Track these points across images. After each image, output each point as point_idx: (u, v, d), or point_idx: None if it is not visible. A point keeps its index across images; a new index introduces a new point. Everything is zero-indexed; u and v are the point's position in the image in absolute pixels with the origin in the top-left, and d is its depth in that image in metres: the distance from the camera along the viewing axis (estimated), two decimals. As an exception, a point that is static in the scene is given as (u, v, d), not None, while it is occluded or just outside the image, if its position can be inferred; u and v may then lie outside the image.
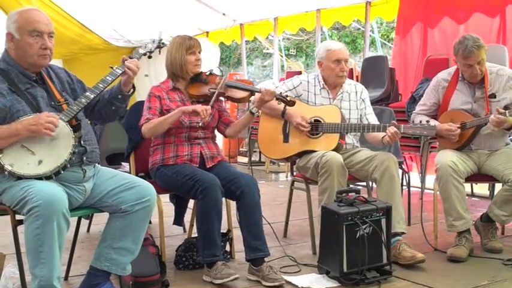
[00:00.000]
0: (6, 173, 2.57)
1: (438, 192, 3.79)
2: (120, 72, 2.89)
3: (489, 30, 6.26)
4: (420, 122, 3.64)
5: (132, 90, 3.00)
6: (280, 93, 3.63)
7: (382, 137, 3.69)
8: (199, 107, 3.33)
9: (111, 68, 2.91)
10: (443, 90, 3.99)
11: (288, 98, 3.61)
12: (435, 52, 6.72)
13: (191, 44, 3.58)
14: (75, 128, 2.72)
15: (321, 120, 3.86)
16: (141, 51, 3.14)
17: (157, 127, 3.42)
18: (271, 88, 4.03)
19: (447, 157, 3.75)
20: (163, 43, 3.22)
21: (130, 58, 2.95)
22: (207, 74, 3.67)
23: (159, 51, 3.24)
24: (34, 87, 2.79)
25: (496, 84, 3.86)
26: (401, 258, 3.51)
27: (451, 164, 3.68)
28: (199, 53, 3.63)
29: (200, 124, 3.40)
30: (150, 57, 3.19)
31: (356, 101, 4.05)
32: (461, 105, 3.90)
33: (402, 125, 3.61)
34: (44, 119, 2.59)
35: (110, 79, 2.87)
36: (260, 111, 3.86)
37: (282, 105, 3.63)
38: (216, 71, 3.74)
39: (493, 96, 3.83)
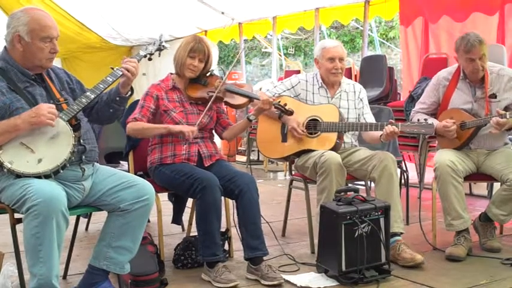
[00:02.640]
0: (5, 170, 2.56)
1: (437, 191, 3.79)
2: (121, 73, 2.87)
3: (488, 29, 6.25)
4: (418, 120, 3.63)
5: (130, 92, 2.99)
6: (279, 102, 3.63)
7: (380, 135, 3.69)
8: (185, 129, 3.34)
9: (112, 68, 2.90)
10: (443, 89, 3.98)
11: (287, 108, 3.61)
12: (438, 48, 6.73)
13: (194, 48, 3.52)
14: (75, 127, 2.72)
15: (319, 120, 3.86)
16: (142, 53, 3.12)
17: (141, 132, 3.47)
18: (270, 88, 4.04)
19: (446, 156, 3.75)
20: (163, 46, 3.20)
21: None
22: (207, 75, 3.66)
23: (159, 54, 3.23)
24: (33, 86, 2.78)
25: (496, 85, 3.85)
26: (400, 260, 3.50)
27: (449, 164, 3.68)
28: (201, 60, 3.56)
29: (186, 144, 3.41)
30: (150, 59, 3.17)
31: (354, 101, 4.05)
32: (461, 104, 3.89)
33: (400, 123, 3.61)
34: (46, 110, 2.60)
35: (111, 80, 2.87)
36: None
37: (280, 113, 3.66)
38: (217, 72, 3.72)
39: (494, 96, 3.82)
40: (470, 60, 3.76)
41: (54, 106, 2.67)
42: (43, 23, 2.72)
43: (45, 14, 2.78)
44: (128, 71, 2.86)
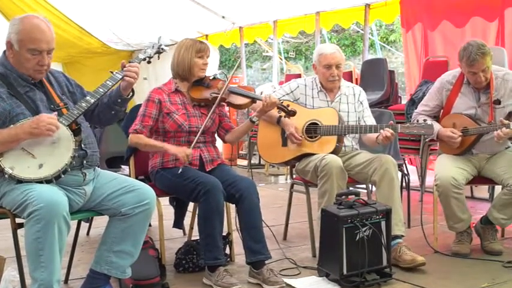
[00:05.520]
0: (6, 176, 2.57)
1: (438, 196, 3.79)
2: (120, 77, 2.88)
3: (487, 34, 6.26)
4: (417, 121, 3.63)
5: (131, 94, 3.00)
6: (281, 102, 3.64)
7: (376, 137, 3.69)
8: (180, 154, 3.34)
9: (111, 72, 2.91)
10: (447, 92, 3.95)
11: (289, 108, 3.62)
12: (435, 54, 6.73)
13: (201, 48, 3.59)
14: (76, 132, 2.73)
15: (319, 123, 3.86)
16: (141, 56, 3.13)
17: (140, 146, 3.53)
18: (270, 92, 4.04)
19: (448, 172, 3.72)
20: (162, 48, 3.21)
21: (130, 63, 2.95)
22: (211, 78, 3.67)
23: (158, 57, 3.23)
24: (33, 90, 2.79)
25: (501, 90, 3.81)
26: (401, 262, 3.51)
27: (452, 182, 3.66)
28: (208, 57, 3.65)
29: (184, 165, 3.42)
30: (149, 62, 3.18)
31: (354, 104, 4.05)
32: (465, 110, 3.87)
33: (399, 124, 3.61)
34: (45, 120, 2.59)
35: (110, 84, 2.87)
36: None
37: (283, 113, 3.66)
38: (220, 76, 3.74)
39: (498, 102, 3.78)
40: (473, 73, 3.73)
41: (55, 117, 2.65)
42: (33, 35, 2.69)
43: (41, 25, 2.72)
44: (129, 76, 2.87)
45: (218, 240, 3.29)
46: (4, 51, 2.81)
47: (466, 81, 3.90)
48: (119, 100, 2.94)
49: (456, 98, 3.92)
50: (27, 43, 2.69)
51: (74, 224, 2.80)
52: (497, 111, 3.80)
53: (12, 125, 2.63)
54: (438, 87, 4.03)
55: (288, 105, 3.65)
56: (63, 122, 2.69)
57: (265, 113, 3.64)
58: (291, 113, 3.66)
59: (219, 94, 3.54)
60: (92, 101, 2.82)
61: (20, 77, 2.76)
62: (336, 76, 3.93)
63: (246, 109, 4.15)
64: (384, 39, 15.66)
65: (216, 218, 3.25)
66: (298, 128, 3.87)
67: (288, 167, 4.59)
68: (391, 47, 15.54)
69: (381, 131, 3.62)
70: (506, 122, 3.58)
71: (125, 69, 2.90)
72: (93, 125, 3.11)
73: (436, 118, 4.03)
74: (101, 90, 2.85)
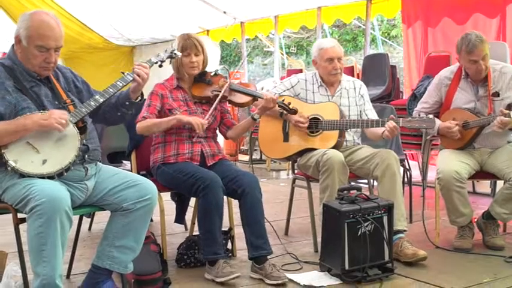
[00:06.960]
0: (9, 168, 2.57)
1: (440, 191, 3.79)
2: (131, 78, 2.87)
3: (488, 31, 6.24)
4: (419, 115, 3.63)
5: (140, 98, 2.99)
6: (283, 100, 3.63)
7: (382, 132, 3.68)
8: (195, 121, 3.33)
9: (122, 73, 2.89)
10: (445, 88, 3.96)
11: (291, 107, 3.62)
12: (435, 50, 6.72)
13: (184, 46, 3.52)
14: (81, 129, 2.73)
15: (320, 118, 3.85)
16: (153, 59, 3.09)
17: (151, 128, 3.45)
18: (270, 88, 4.04)
19: (450, 166, 3.72)
20: (175, 53, 3.16)
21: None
22: (212, 74, 3.65)
23: (170, 61, 3.20)
24: (38, 86, 2.78)
25: (499, 82, 3.82)
26: (403, 256, 3.51)
27: (454, 175, 3.65)
28: (197, 54, 3.55)
29: (195, 139, 3.42)
30: (161, 66, 3.12)
31: (355, 97, 4.04)
32: (464, 104, 3.88)
33: (401, 118, 3.60)
34: (57, 114, 2.60)
35: (121, 85, 2.85)
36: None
37: (284, 112, 3.66)
38: (222, 71, 3.72)
39: (497, 94, 3.80)
40: (473, 62, 3.73)
41: (66, 113, 2.66)
42: (41, 31, 2.69)
43: (50, 22, 2.72)
44: (139, 76, 2.86)
45: (217, 236, 3.29)
46: (13, 46, 2.80)
47: (464, 76, 3.90)
48: (127, 103, 2.94)
49: (455, 92, 3.93)
50: (35, 39, 2.69)
51: (75, 219, 2.80)
52: (496, 103, 3.80)
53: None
54: (437, 84, 4.04)
55: (290, 103, 3.65)
56: (71, 119, 2.69)
57: (266, 111, 3.63)
58: (292, 112, 3.66)
59: (220, 92, 3.53)
60: (101, 100, 2.80)
61: (25, 72, 2.76)
62: (339, 69, 3.93)
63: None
64: (386, 34, 15.63)
65: (215, 213, 3.26)
66: (303, 114, 3.84)
67: (290, 162, 4.59)
68: (392, 42, 15.51)
69: (386, 124, 3.61)
70: (506, 111, 3.59)
71: (135, 68, 2.89)
72: (97, 123, 3.10)
73: (437, 115, 4.01)
74: (111, 90, 2.83)
